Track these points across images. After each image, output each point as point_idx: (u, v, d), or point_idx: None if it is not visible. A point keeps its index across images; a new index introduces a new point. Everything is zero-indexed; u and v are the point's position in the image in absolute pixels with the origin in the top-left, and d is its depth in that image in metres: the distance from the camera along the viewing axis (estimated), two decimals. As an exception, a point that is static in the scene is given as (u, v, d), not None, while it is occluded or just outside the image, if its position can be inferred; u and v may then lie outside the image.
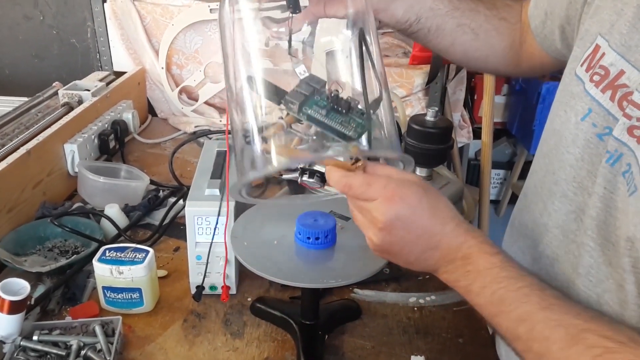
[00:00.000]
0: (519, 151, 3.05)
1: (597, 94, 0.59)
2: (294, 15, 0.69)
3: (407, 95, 1.55)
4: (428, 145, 0.91)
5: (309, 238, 0.73)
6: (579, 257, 0.60)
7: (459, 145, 1.71)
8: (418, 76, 1.52)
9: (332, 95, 0.59)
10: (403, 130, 0.96)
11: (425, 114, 0.92)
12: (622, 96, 0.56)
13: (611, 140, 0.56)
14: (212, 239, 0.84)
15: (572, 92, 0.64)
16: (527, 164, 3.14)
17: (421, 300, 0.92)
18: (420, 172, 0.94)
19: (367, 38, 0.63)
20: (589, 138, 0.59)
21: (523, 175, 3.15)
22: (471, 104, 2.41)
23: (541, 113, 2.68)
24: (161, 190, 1.19)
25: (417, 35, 0.82)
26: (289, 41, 0.66)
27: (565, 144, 0.63)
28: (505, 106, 2.97)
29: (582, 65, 0.63)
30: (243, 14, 0.65)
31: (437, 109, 0.92)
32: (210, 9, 1.49)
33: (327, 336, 0.83)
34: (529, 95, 2.71)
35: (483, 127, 1.49)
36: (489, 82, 1.49)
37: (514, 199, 3.18)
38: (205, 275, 0.85)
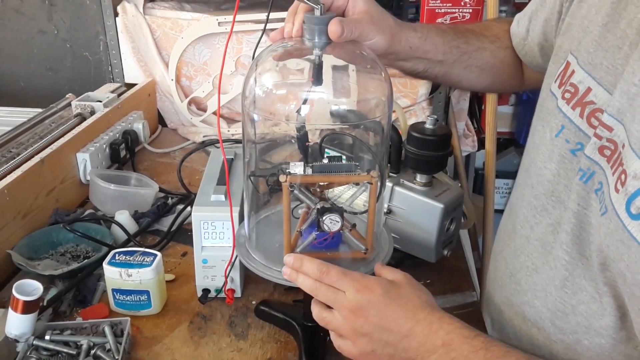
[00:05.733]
0: (527, 161, 3.07)
1: (568, 111, 0.61)
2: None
3: (412, 104, 1.58)
4: (427, 152, 0.93)
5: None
6: (555, 270, 0.61)
7: (464, 154, 1.73)
8: (422, 86, 1.54)
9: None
10: (403, 138, 0.99)
11: (424, 122, 0.95)
12: (590, 113, 0.58)
13: (583, 158, 0.58)
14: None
15: (548, 107, 0.66)
16: (535, 174, 3.15)
17: (422, 304, 0.94)
18: (421, 178, 0.96)
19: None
20: (563, 154, 0.62)
21: (531, 184, 3.15)
22: (479, 114, 2.42)
23: (548, 122, 2.69)
24: (170, 198, 1.22)
25: (424, 78, 0.86)
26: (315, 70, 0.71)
27: (542, 159, 0.65)
28: (512, 116, 2.99)
29: (555, 82, 0.65)
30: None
31: (436, 117, 0.94)
32: (219, 22, 1.53)
33: (328, 338, 0.85)
34: (536, 104, 2.73)
35: (486, 136, 1.51)
36: (491, 91, 1.51)
37: (522, 208, 3.19)
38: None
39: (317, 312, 0.65)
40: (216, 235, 0.88)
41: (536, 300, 0.65)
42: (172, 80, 1.63)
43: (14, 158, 1.12)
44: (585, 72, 0.60)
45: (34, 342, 0.77)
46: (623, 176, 0.51)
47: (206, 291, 0.90)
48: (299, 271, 0.66)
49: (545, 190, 0.65)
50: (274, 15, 0.77)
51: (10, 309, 0.75)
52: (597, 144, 0.56)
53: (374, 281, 0.63)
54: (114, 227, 1.07)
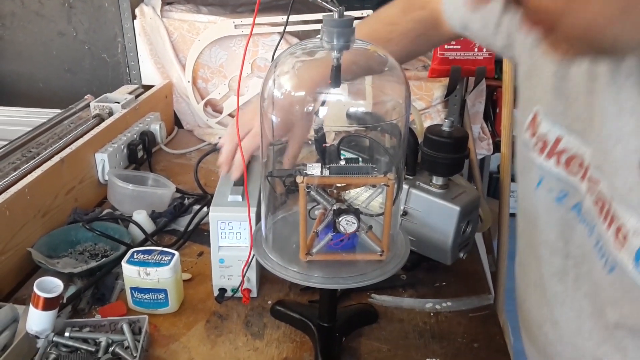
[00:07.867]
0: (542, 165, 3.04)
1: (543, 163, 0.61)
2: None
3: (427, 107, 1.58)
4: (444, 155, 0.93)
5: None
6: (579, 321, 0.60)
7: (479, 157, 1.72)
8: (437, 89, 1.55)
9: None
10: (420, 140, 0.99)
11: (441, 125, 0.95)
12: (567, 160, 0.58)
13: (582, 211, 0.57)
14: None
15: (525, 156, 0.66)
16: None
17: (437, 306, 0.94)
18: (437, 180, 0.96)
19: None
20: (549, 203, 0.61)
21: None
22: (493, 117, 2.41)
23: (563, 126, 2.67)
24: (186, 198, 1.23)
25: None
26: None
27: (531, 209, 0.65)
28: (527, 119, 2.97)
29: (526, 132, 0.65)
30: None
31: (452, 119, 0.94)
32: (235, 25, 1.54)
33: (344, 338, 0.86)
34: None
35: (502, 139, 1.50)
36: (507, 94, 1.50)
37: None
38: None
39: None
40: (233, 235, 0.89)
41: (565, 354, 0.64)
42: (188, 82, 1.64)
43: (34, 158, 1.14)
44: (551, 122, 0.60)
45: (54, 339, 0.79)
46: (620, 232, 0.50)
47: (223, 290, 0.91)
48: None
49: (540, 239, 0.64)
50: (292, 18, 0.78)
51: (31, 306, 0.77)
52: (591, 198, 0.55)
53: None
54: (132, 226, 1.08)
